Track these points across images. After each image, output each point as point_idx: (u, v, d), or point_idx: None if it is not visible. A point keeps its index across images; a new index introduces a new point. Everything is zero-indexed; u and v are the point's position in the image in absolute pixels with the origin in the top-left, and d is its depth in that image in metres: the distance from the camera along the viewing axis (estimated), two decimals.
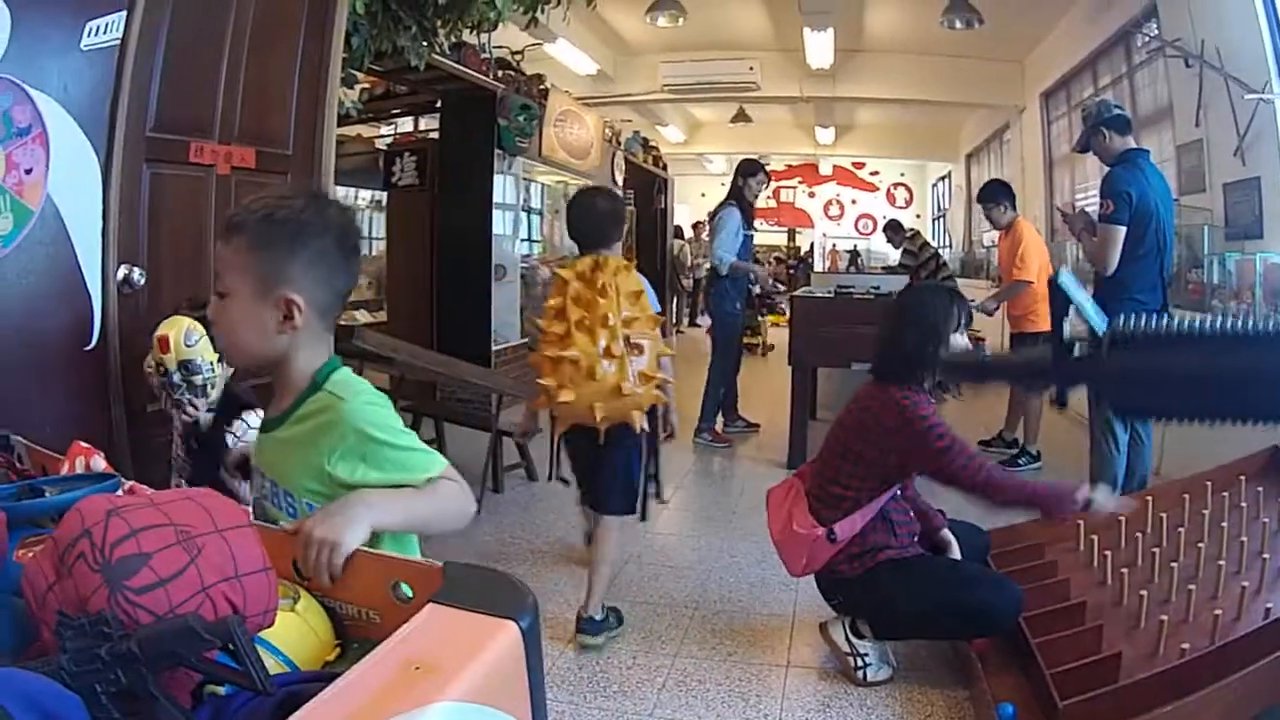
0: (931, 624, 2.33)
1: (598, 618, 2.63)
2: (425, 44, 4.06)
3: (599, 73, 9.55)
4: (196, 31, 2.53)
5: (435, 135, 6.34)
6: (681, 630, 2.76)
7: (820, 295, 5.34)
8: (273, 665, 0.83)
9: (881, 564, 2.34)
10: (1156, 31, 5.58)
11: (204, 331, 2.03)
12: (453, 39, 4.58)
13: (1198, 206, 4.87)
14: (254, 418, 2.00)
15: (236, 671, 0.72)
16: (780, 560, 2.50)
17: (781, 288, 10.54)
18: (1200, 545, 2.40)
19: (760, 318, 9.51)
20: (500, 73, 5.90)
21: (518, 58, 6.39)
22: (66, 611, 0.71)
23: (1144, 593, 2.19)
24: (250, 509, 1.97)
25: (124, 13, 2.26)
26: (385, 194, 6.53)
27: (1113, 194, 3.32)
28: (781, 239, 16.59)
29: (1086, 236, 3.55)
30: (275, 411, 1.23)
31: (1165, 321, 0.89)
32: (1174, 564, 2.30)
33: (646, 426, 2.59)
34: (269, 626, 0.84)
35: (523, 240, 6.94)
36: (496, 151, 5.89)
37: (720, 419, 5.40)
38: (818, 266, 13.60)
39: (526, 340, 6.37)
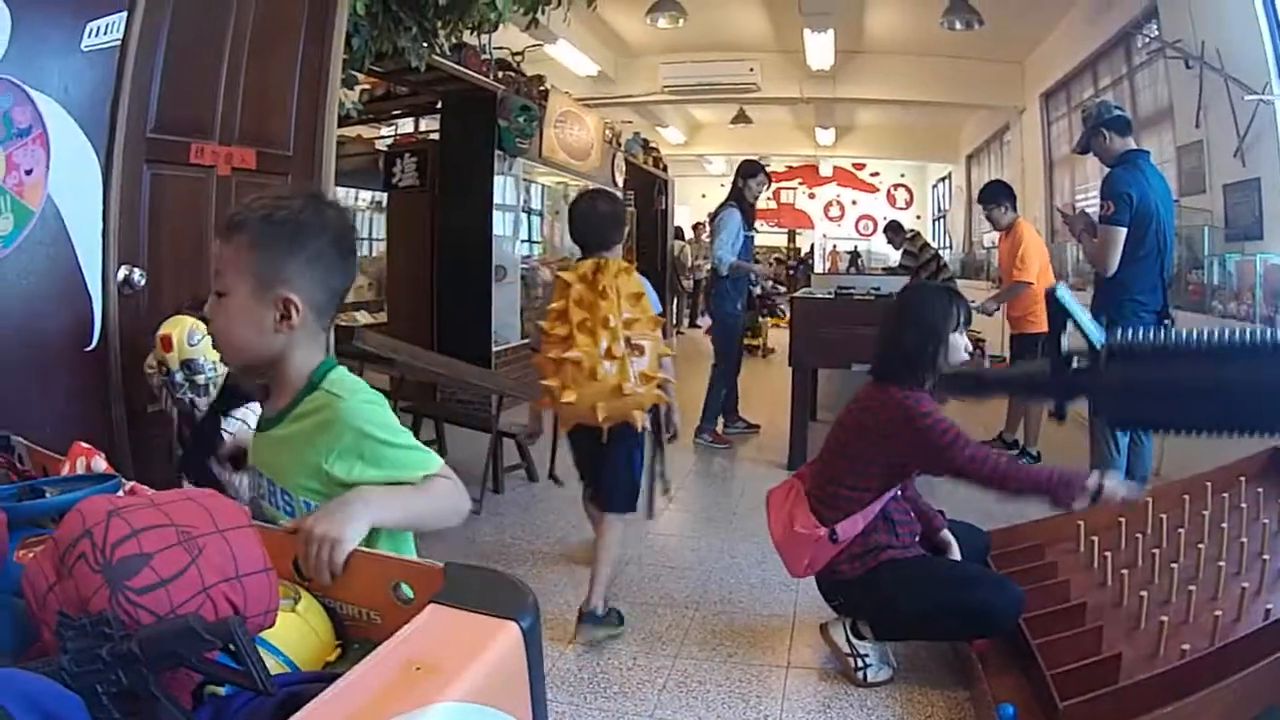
0: (932, 625, 2.33)
1: (599, 612, 2.65)
2: (425, 45, 4.06)
3: (599, 74, 9.55)
4: (197, 32, 2.54)
5: (436, 136, 6.35)
6: (682, 631, 2.76)
7: (821, 296, 5.34)
8: (273, 666, 0.83)
9: (883, 564, 2.34)
10: (1157, 32, 5.58)
11: (206, 331, 2.03)
12: (453, 40, 4.58)
13: (1198, 208, 4.88)
14: (251, 416, 2.00)
15: (237, 672, 0.72)
16: (781, 561, 2.50)
17: (781, 289, 10.54)
18: (1200, 546, 2.40)
19: (760, 319, 9.51)
20: (501, 74, 5.91)
21: (518, 59, 6.39)
22: (67, 612, 0.71)
23: (1144, 594, 2.19)
24: (238, 500, 1.98)
25: (124, 14, 2.26)
26: (385, 195, 6.54)
27: (1113, 195, 3.31)
28: (782, 240, 16.56)
29: (1087, 238, 3.55)
30: (272, 411, 1.24)
31: (1162, 334, 0.89)
32: (1174, 565, 2.30)
33: (649, 425, 2.64)
34: (270, 627, 0.84)
35: (523, 241, 6.94)
36: (497, 152, 5.90)
37: (720, 420, 5.40)
38: (818, 267, 13.61)
39: (527, 341, 6.38)
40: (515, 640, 0.75)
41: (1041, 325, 4.61)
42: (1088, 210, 3.85)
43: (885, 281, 6.55)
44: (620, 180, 9.13)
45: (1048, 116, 8.46)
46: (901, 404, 2.28)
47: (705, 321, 10.03)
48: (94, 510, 0.77)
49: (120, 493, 1.05)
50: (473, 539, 3.54)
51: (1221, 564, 2.25)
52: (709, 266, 6.09)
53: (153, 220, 2.47)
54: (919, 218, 15.96)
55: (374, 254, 6.90)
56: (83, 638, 0.69)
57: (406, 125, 7.36)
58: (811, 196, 17.90)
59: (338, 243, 1.21)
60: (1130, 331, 0.90)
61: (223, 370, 2.10)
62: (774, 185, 15.10)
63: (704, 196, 15.51)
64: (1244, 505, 2.62)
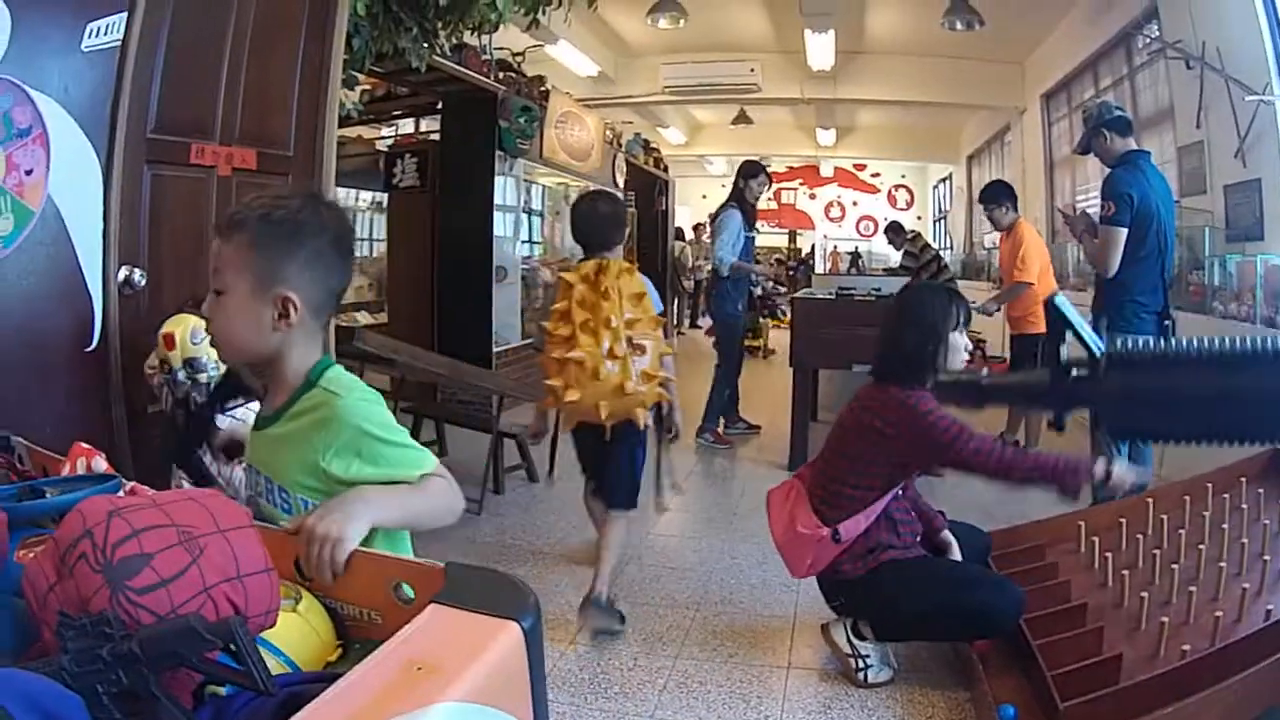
0: (933, 625, 2.33)
1: (604, 599, 2.68)
2: (426, 45, 4.06)
3: (600, 74, 9.55)
4: (197, 33, 2.54)
5: (436, 137, 6.36)
6: (683, 632, 2.76)
7: (821, 297, 5.33)
8: (274, 666, 0.83)
9: (884, 564, 2.34)
10: (1157, 33, 5.58)
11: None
12: (454, 40, 4.58)
13: (1199, 208, 4.88)
14: (250, 414, 2.00)
15: (238, 672, 0.72)
16: (783, 562, 2.50)
17: (782, 290, 10.54)
18: (1201, 547, 2.39)
19: (761, 320, 9.51)
20: (501, 74, 5.91)
21: (519, 59, 6.40)
22: (68, 612, 0.71)
23: (1145, 594, 2.19)
24: (227, 491, 1.98)
25: (125, 14, 2.26)
26: (386, 195, 6.54)
27: (1114, 196, 3.31)
28: (783, 241, 16.57)
29: (1088, 238, 3.54)
30: (269, 409, 1.25)
31: (1162, 343, 0.89)
32: (1175, 566, 2.30)
33: (651, 423, 2.70)
34: (271, 627, 0.84)
35: (524, 242, 6.94)
36: (497, 153, 5.90)
37: (721, 421, 5.40)
38: (819, 268, 13.63)
39: (529, 341, 6.38)
40: (516, 640, 0.75)
41: (1042, 326, 4.59)
42: (1088, 211, 3.85)
43: (886, 282, 6.55)
44: (621, 181, 9.13)
45: (1048, 117, 8.46)
46: (903, 403, 2.28)
47: (706, 322, 10.02)
48: (95, 510, 0.77)
49: (121, 493, 1.05)
50: (473, 539, 3.54)
51: (1222, 565, 2.25)
52: (710, 267, 6.08)
53: (153, 220, 2.47)
54: (920, 218, 15.97)
55: (374, 255, 6.90)
56: (83, 638, 0.69)
57: (407, 126, 7.36)
58: (812, 197, 17.90)
59: (336, 243, 1.22)
60: (1130, 341, 0.90)
61: (224, 369, 2.10)
62: (775, 186, 15.07)
63: (705, 197, 15.52)
64: (1244, 506, 2.61)
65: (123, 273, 2.37)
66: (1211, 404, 0.86)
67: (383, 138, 7.40)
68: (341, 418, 1.14)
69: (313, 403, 1.18)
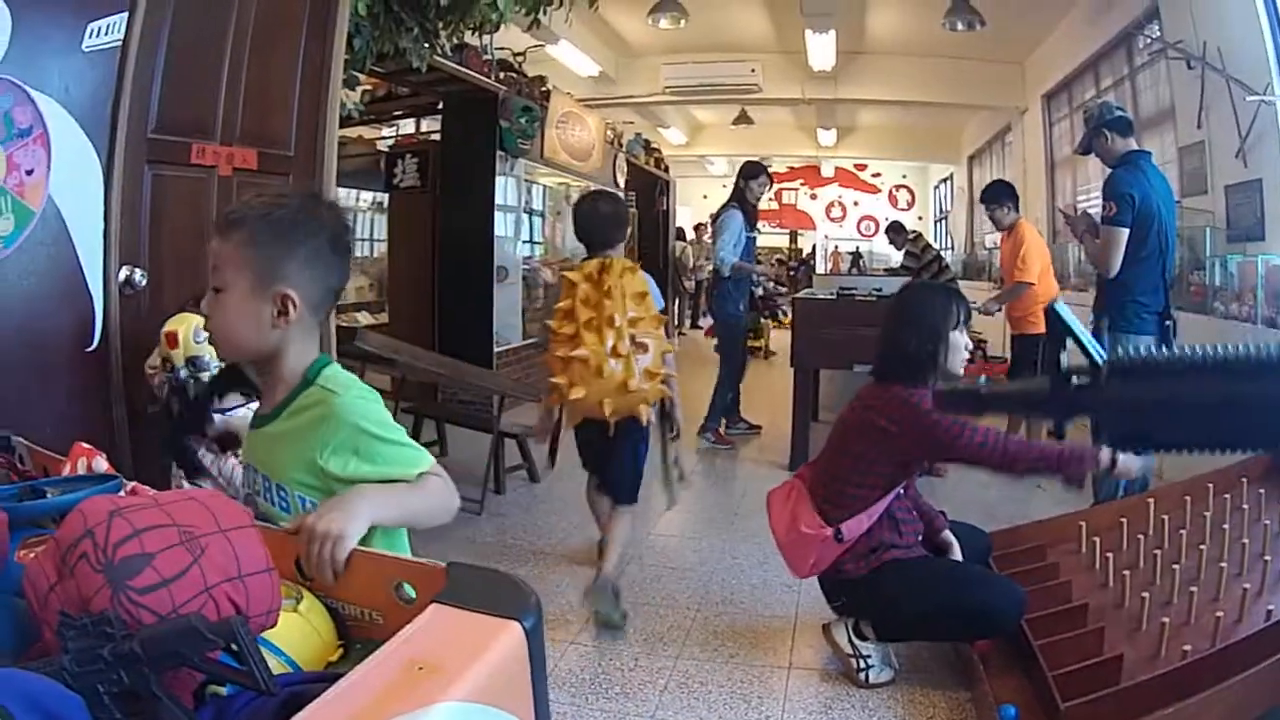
0: (934, 625, 2.33)
1: (609, 586, 2.72)
2: (427, 45, 4.06)
3: (601, 74, 9.55)
4: (198, 32, 2.54)
5: (437, 137, 6.35)
6: (683, 632, 2.76)
7: (822, 297, 5.34)
8: (276, 665, 0.83)
9: (886, 564, 2.34)
10: (1158, 33, 5.58)
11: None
12: (454, 40, 4.58)
13: (1199, 208, 4.87)
14: (249, 414, 1.99)
15: (239, 672, 0.71)
16: (784, 562, 2.50)
17: (783, 290, 10.53)
18: (1202, 547, 2.39)
19: (762, 320, 9.51)
20: (502, 74, 5.91)
21: (520, 59, 6.39)
22: (69, 612, 0.71)
23: (1146, 595, 2.19)
24: (219, 483, 1.97)
25: (125, 14, 2.26)
26: (387, 195, 6.54)
27: (1115, 196, 3.31)
28: (783, 241, 16.58)
29: (1089, 239, 3.54)
30: (267, 407, 1.26)
31: (1164, 350, 0.88)
32: (1176, 566, 2.30)
33: (654, 419, 2.76)
34: (272, 627, 0.84)
35: (524, 242, 6.93)
36: (498, 153, 5.90)
37: (723, 421, 5.40)
38: (820, 268, 13.63)
39: (530, 341, 6.39)
40: (518, 640, 0.75)
41: (1042, 326, 4.61)
42: (1089, 211, 3.84)
43: (887, 282, 6.54)
44: (622, 181, 9.13)
45: (1049, 117, 8.46)
46: (906, 401, 2.28)
47: (707, 322, 10.02)
48: (96, 510, 0.77)
49: (121, 493, 1.05)
50: (474, 539, 3.54)
51: (1223, 565, 2.24)
52: (711, 267, 6.08)
53: (154, 220, 2.47)
54: (921, 219, 15.97)
55: (375, 255, 6.90)
56: (84, 637, 0.69)
57: (408, 126, 7.36)
58: (813, 197, 17.90)
59: (334, 241, 1.23)
60: (1132, 348, 0.89)
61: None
62: (776, 186, 15.05)
63: (705, 197, 15.53)
64: (1245, 506, 2.61)
65: (123, 273, 2.37)
66: (1216, 412, 0.85)
67: (383, 138, 7.40)
68: (339, 415, 1.14)
69: (310, 401, 1.19)
